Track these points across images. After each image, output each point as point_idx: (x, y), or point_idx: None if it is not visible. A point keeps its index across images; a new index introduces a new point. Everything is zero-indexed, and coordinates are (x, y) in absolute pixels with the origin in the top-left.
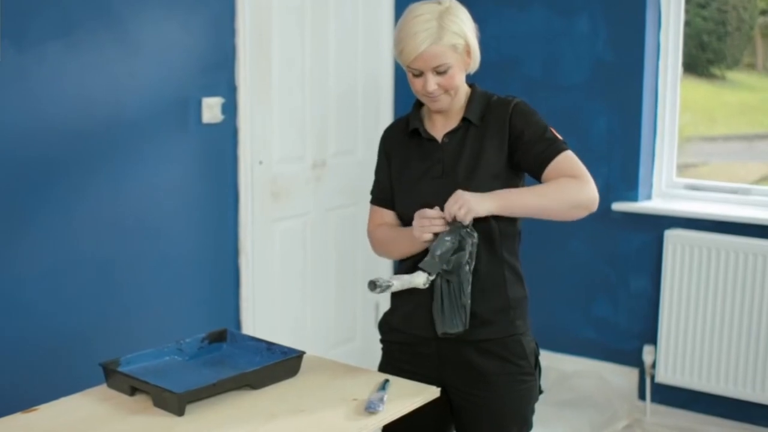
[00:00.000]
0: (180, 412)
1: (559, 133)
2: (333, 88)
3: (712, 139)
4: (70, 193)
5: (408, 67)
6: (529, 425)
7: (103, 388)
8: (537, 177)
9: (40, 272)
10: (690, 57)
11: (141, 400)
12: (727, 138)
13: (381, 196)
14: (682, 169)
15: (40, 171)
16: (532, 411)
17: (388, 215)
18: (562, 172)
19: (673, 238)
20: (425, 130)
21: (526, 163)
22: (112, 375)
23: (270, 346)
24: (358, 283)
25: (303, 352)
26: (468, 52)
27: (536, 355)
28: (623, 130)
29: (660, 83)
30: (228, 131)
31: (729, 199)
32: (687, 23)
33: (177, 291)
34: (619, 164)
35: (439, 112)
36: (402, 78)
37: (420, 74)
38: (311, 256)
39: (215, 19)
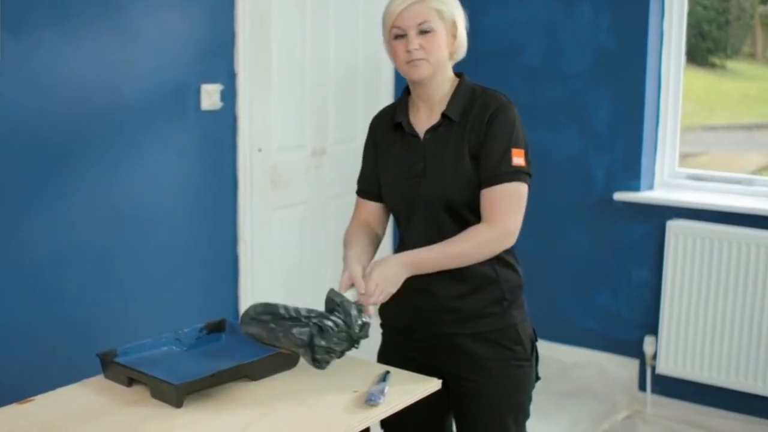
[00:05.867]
0: (178, 403)
1: (561, 121)
2: (333, 76)
3: (712, 128)
4: (67, 181)
5: (392, 28)
6: (526, 413)
7: (99, 379)
8: (480, 186)
9: (36, 261)
10: (690, 46)
11: (138, 391)
12: (727, 128)
13: (365, 187)
14: (682, 158)
15: (37, 158)
16: (529, 399)
17: (372, 209)
18: (494, 203)
19: (675, 228)
20: (408, 124)
21: (479, 170)
22: (109, 366)
23: None
24: None
25: None
26: (455, 30)
27: (533, 342)
28: (626, 120)
29: (663, 72)
30: (227, 118)
31: (731, 190)
32: (687, 12)
33: (175, 280)
34: (622, 154)
35: (420, 82)
36: None
37: (402, 36)
38: (310, 244)
39: (214, 5)
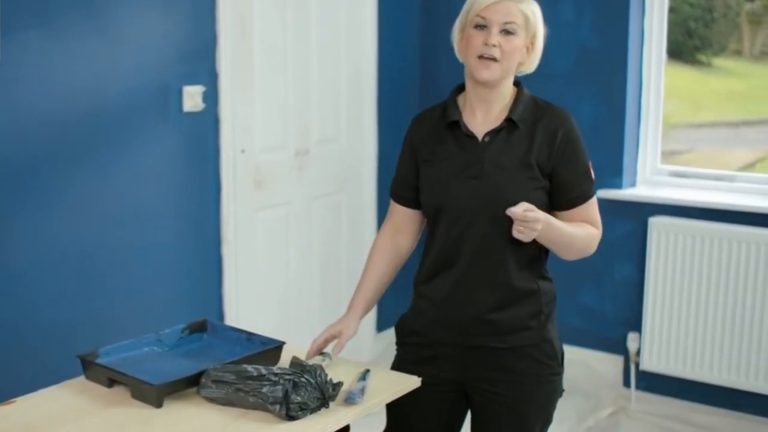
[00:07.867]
0: (158, 404)
1: None
2: (316, 76)
3: (699, 125)
4: (50, 183)
5: (476, 16)
6: (550, 421)
7: (81, 380)
8: (558, 208)
9: (20, 263)
10: (676, 44)
11: (119, 392)
12: (713, 125)
13: (397, 190)
14: (669, 156)
15: (20, 161)
16: (555, 408)
17: (401, 215)
18: (585, 218)
19: (657, 225)
20: (465, 125)
21: (556, 192)
22: (89, 366)
23: (250, 336)
24: (342, 273)
25: (283, 343)
26: (532, 43)
27: (562, 354)
28: (608, 117)
29: (644, 70)
30: (209, 120)
31: (714, 186)
32: (673, 10)
33: (159, 281)
34: (604, 151)
35: (485, 84)
36: (386, 66)
37: (484, 27)
38: (295, 245)
39: (196, 6)
